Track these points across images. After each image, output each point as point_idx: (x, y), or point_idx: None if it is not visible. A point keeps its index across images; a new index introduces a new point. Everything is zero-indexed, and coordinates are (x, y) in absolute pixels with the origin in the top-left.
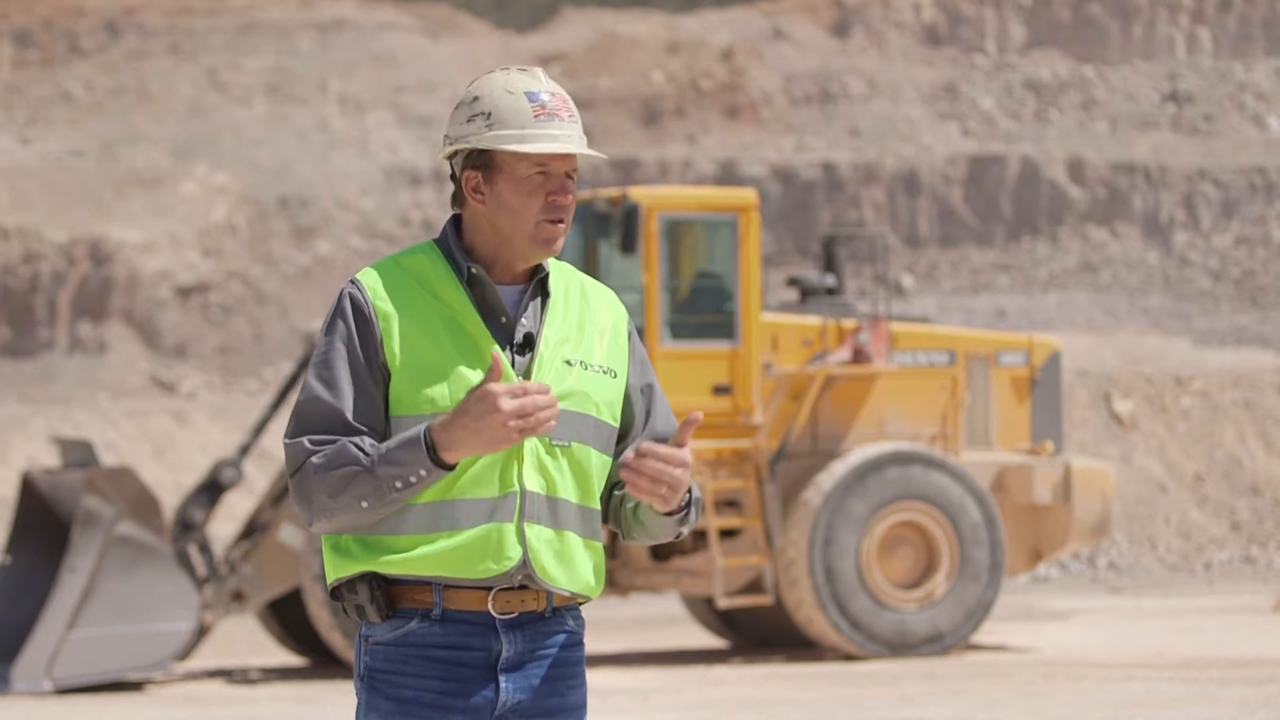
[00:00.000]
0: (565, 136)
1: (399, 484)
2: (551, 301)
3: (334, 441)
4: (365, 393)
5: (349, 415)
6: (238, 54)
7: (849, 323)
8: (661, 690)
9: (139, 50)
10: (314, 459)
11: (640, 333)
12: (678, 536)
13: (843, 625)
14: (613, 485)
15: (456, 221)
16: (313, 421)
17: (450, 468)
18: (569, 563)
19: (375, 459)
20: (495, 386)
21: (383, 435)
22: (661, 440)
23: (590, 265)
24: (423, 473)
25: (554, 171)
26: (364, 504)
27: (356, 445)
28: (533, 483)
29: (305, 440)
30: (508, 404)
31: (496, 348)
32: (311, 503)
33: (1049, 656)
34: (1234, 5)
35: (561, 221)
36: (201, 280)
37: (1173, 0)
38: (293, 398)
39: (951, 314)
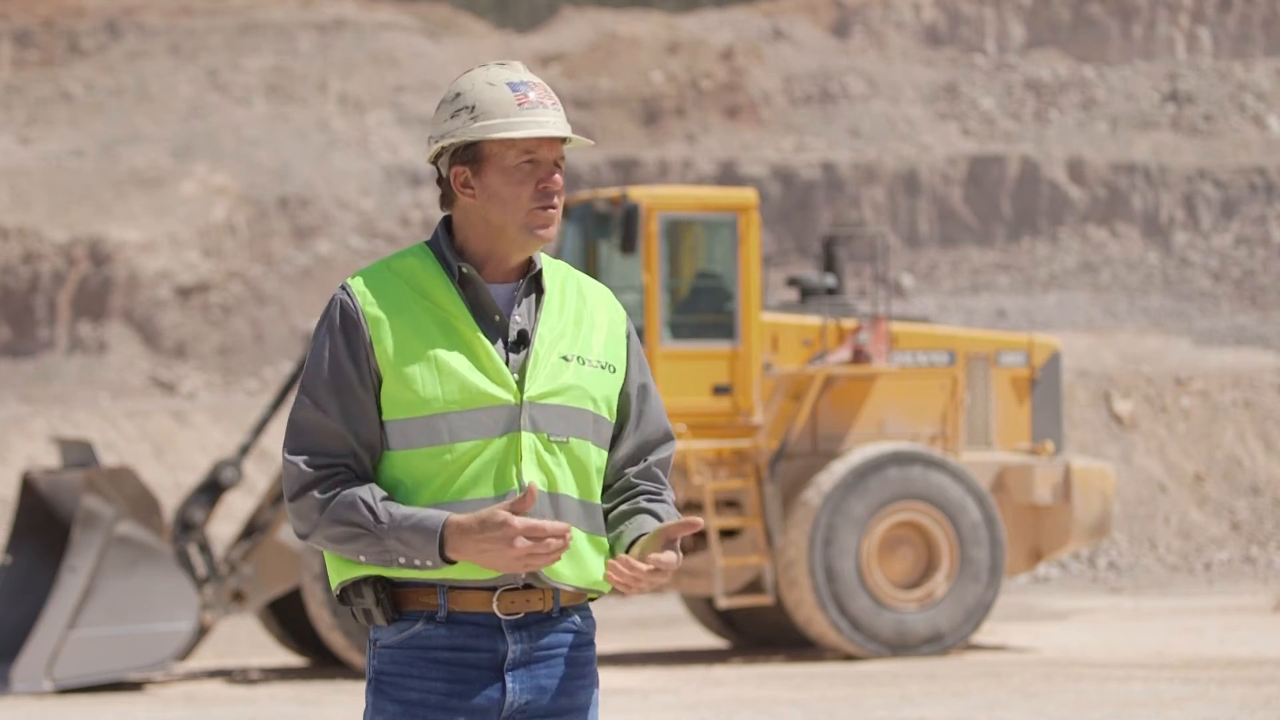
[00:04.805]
0: (551, 123)
1: (402, 560)
2: (547, 297)
3: (332, 466)
4: (357, 402)
5: (343, 429)
6: (238, 54)
7: (849, 323)
8: (661, 690)
9: (139, 50)
10: (316, 493)
11: (640, 333)
12: None
13: (843, 625)
14: (609, 491)
15: (447, 223)
16: (309, 440)
17: (454, 563)
18: (575, 558)
19: (386, 527)
20: (516, 522)
21: (377, 444)
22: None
23: (590, 265)
24: (429, 563)
25: (542, 159)
26: (362, 558)
27: (366, 503)
28: (532, 480)
29: (302, 462)
30: (521, 544)
31: (535, 484)
32: (312, 533)
33: (1049, 656)
34: (1234, 5)
35: (553, 207)
36: (201, 280)
37: (1173, 0)
38: (293, 398)
39: (951, 314)
